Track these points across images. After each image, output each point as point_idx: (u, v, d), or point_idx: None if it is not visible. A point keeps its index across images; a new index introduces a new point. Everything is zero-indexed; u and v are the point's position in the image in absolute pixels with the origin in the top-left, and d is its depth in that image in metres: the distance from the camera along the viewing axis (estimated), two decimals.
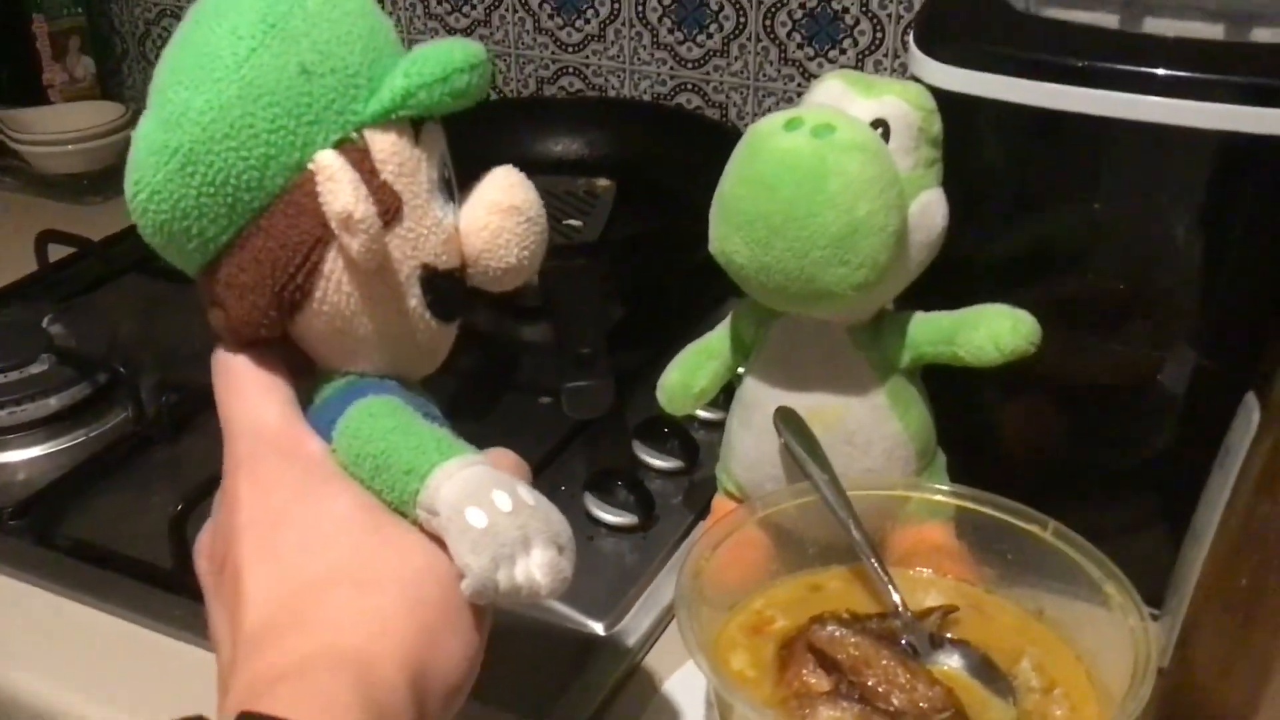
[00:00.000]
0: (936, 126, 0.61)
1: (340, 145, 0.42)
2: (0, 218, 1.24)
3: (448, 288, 0.45)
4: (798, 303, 0.60)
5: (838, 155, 0.56)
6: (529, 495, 0.43)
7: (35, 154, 1.25)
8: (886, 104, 0.60)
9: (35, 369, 0.88)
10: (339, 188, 0.41)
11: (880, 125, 0.59)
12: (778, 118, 0.58)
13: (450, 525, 0.41)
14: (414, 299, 0.44)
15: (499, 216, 0.46)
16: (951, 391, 0.67)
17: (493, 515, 0.41)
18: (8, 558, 0.75)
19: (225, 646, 0.42)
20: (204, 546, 0.46)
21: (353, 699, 0.37)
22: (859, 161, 0.56)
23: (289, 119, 0.42)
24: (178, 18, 1.36)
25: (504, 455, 0.48)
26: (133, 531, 0.75)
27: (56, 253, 1.06)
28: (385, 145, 0.43)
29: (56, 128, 1.26)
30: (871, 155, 0.56)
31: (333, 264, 0.43)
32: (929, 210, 0.60)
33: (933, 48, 0.63)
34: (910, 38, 0.65)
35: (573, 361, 0.70)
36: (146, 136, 0.43)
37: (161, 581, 0.71)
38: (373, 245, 0.42)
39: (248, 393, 0.45)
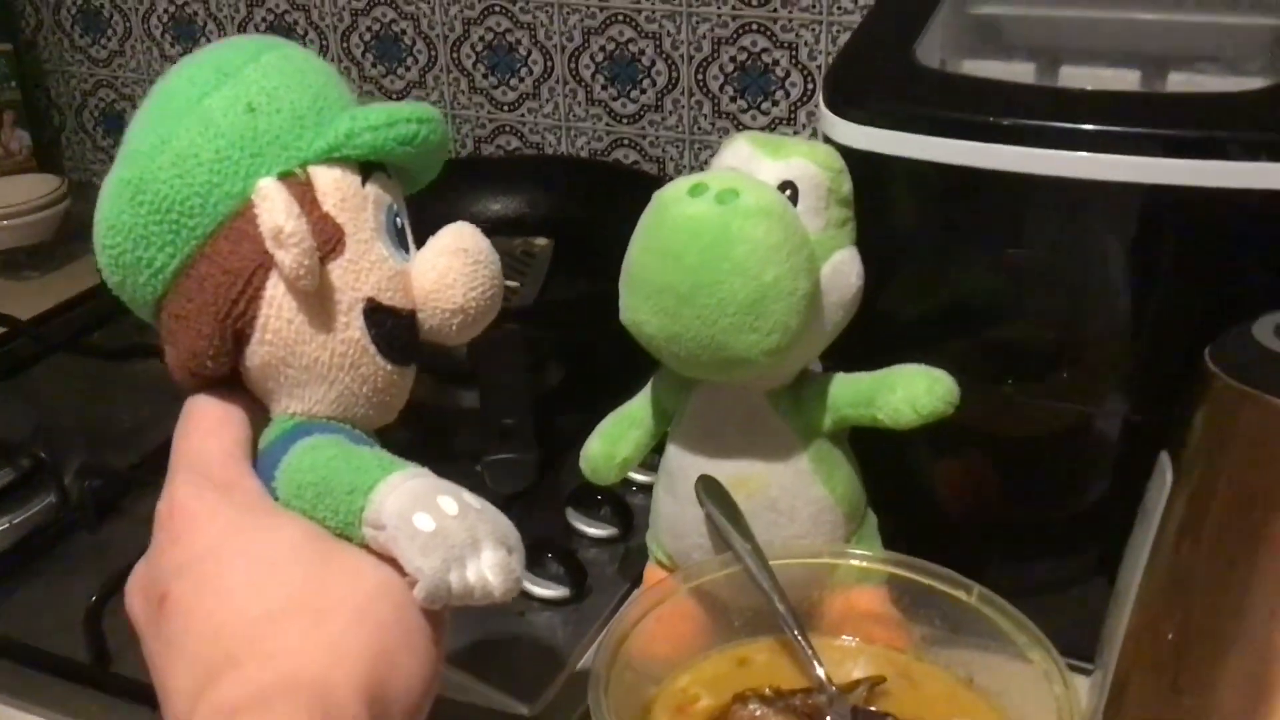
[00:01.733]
0: (846, 186, 0.60)
1: (284, 178, 0.44)
2: None
3: (394, 325, 0.46)
4: (711, 370, 0.59)
5: (742, 221, 0.55)
6: (474, 500, 0.43)
7: None
8: (794, 166, 0.59)
9: None
10: (272, 205, 0.43)
11: (788, 187, 0.58)
12: (682, 184, 0.57)
13: (398, 534, 0.41)
14: (357, 330, 0.45)
15: (447, 257, 0.47)
16: (881, 451, 0.66)
17: (440, 519, 0.41)
18: None
19: (170, 680, 0.41)
20: (138, 583, 0.45)
21: None
22: (764, 227, 0.55)
23: (233, 150, 0.43)
24: (115, 89, 1.35)
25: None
26: (52, 625, 0.73)
27: None
28: (328, 180, 0.45)
29: None
30: (777, 219, 0.55)
31: (274, 289, 0.44)
32: (842, 270, 0.60)
33: (841, 107, 0.62)
34: (819, 99, 0.65)
35: (496, 433, 0.69)
36: (109, 178, 0.45)
37: (80, 677, 0.69)
38: (305, 261, 0.43)
39: (196, 430, 0.46)
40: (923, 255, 0.66)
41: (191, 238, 0.44)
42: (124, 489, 0.84)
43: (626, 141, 1.13)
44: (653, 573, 0.69)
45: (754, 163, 0.60)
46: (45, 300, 1.12)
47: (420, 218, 1.14)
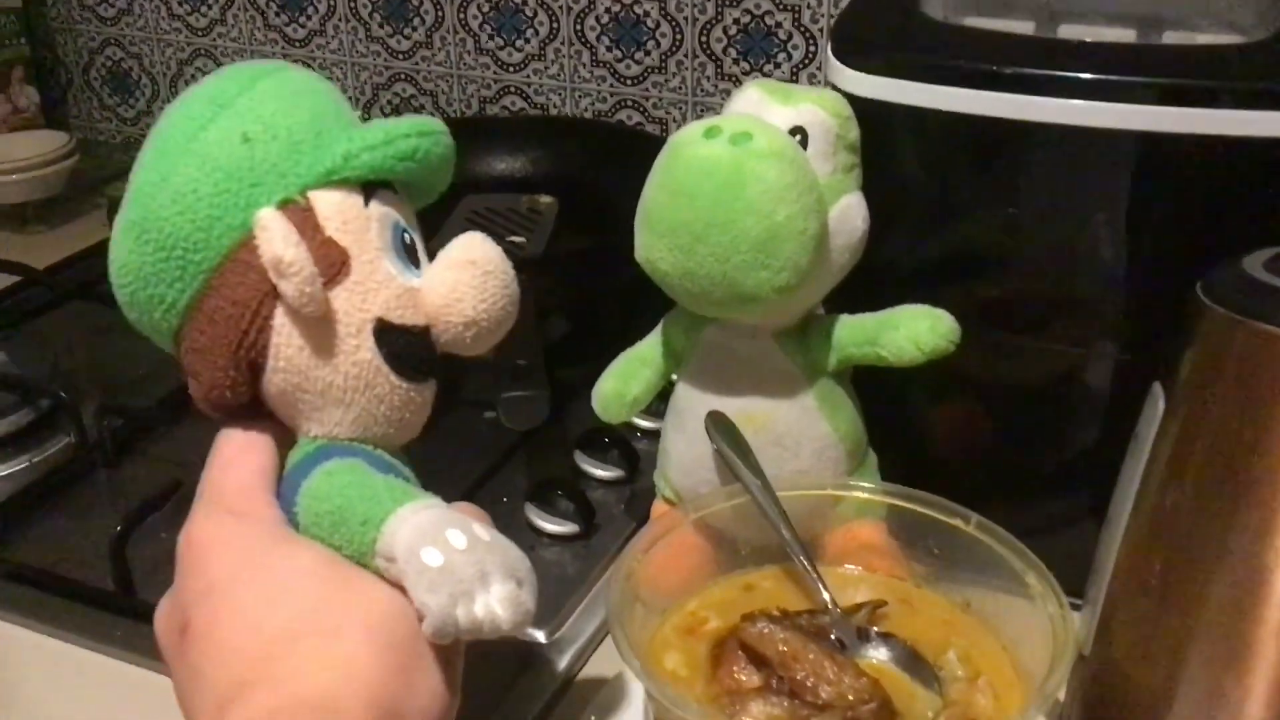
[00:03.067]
0: (854, 133, 0.62)
1: (284, 205, 0.44)
2: None
3: (405, 343, 0.46)
4: (722, 307, 0.61)
5: (755, 162, 0.57)
6: (485, 532, 0.43)
7: None
8: (804, 111, 0.61)
9: None
10: (271, 236, 0.43)
11: (798, 132, 0.61)
12: (696, 127, 0.59)
13: (407, 568, 0.41)
14: (368, 352, 0.45)
15: (456, 270, 0.47)
16: (882, 393, 0.69)
17: (448, 554, 0.41)
18: None
19: (192, 707, 0.42)
20: (163, 615, 0.46)
21: None
22: (776, 168, 0.57)
23: (232, 182, 0.44)
24: (122, 47, 1.37)
25: (464, 507, 0.48)
26: (75, 555, 0.75)
27: (1, 281, 1.06)
28: (329, 204, 0.45)
29: (0, 158, 1.26)
30: (789, 161, 0.58)
31: (282, 318, 0.44)
32: (848, 214, 0.62)
33: (849, 56, 0.65)
34: (828, 47, 0.67)
35: (509, 373, 0.71)
36: (117, 220, 0.46)
37: (103, 603, 0.71)
38: (306, 288, 0.43)
39: (218, 462, 0.46)
40: (923, 202, 0.68)
41: (199, 272, 0.44)
42: (142, 429, 0.86)
43: (630, 103, 1.15)
44: (660, 509, 0.71)
45: (765, 108, 0.62)
46: (56, 253, 1.13)
47: None
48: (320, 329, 0.44)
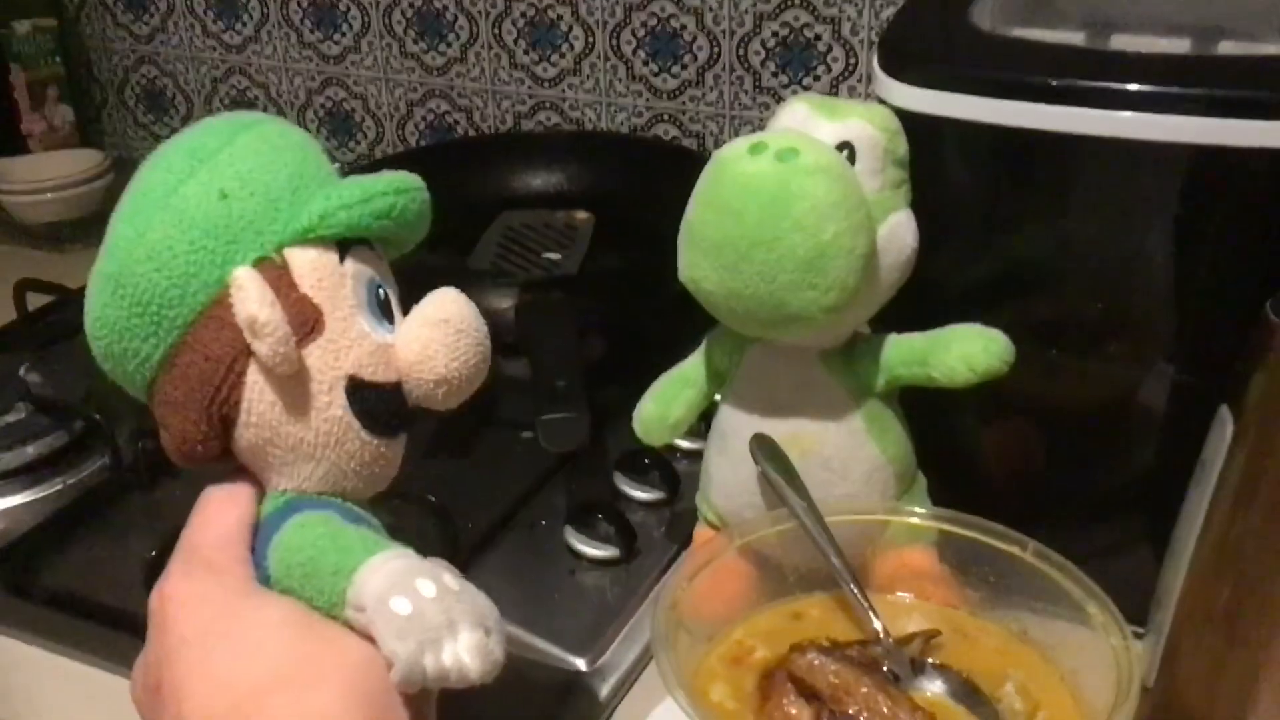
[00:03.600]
0: (902, 148, 0.61)
1: (260, 263, 0.44)
2: None
3: (377, 400, 0.46)
4: (768, 328, 0.59)
5: (802, 179, 0.55)
6: (454, 582, 0.43)
7: (14, 203, 1.25)
8: (851, 126, 0.59)
9: (11, 418, 0.87)
10: (246, 296, 0.43)
11: (845, 148, 0.59)
12: (742, 143, 0.57)
13: (376, 616, 0.41)
14: (339, 409, 0.45)
15: (429, 329, 0.47)
16: (931, 414, 0.67)
17: (417, 602, 0.41)
18: None
19: None
20: (138, 672, 0.46)
21: None
22: (824, 185, 0.55)
23: (208, 240, 0.44)
24: (156, 65, 1.37)
25: (436, 561, 0.47)
26: (110, 580, 0.74)
27: (35, 301, 1.06)
28: (304, 262, 0.45)
29: (35, 176, 1.26)
30: (836, 178, 0.56)
31: (255, 374, 0.44)
32: (898, 232, 0.60)
33: (897, 69, 0.63)
34: (874, 61, 0.65)
35: (547, 394, 0.70)
36: (94, 270, 0.46)
37: (138, 630, 0.69)
38: (280, 349, 0.43)
39: (196, 519, 0.47)
40: (972, 219, 0.66)
41: (173, 328, 0.44)
42: None
43: (666, 117, 1.14)
44: (703, 534, 0.70)
45: (811, 123, 0.60)
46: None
47: (459, 195, 1.15)
48: (293, 386, 0.44)
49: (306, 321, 0.44)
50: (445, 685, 0.42)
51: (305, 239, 0.45)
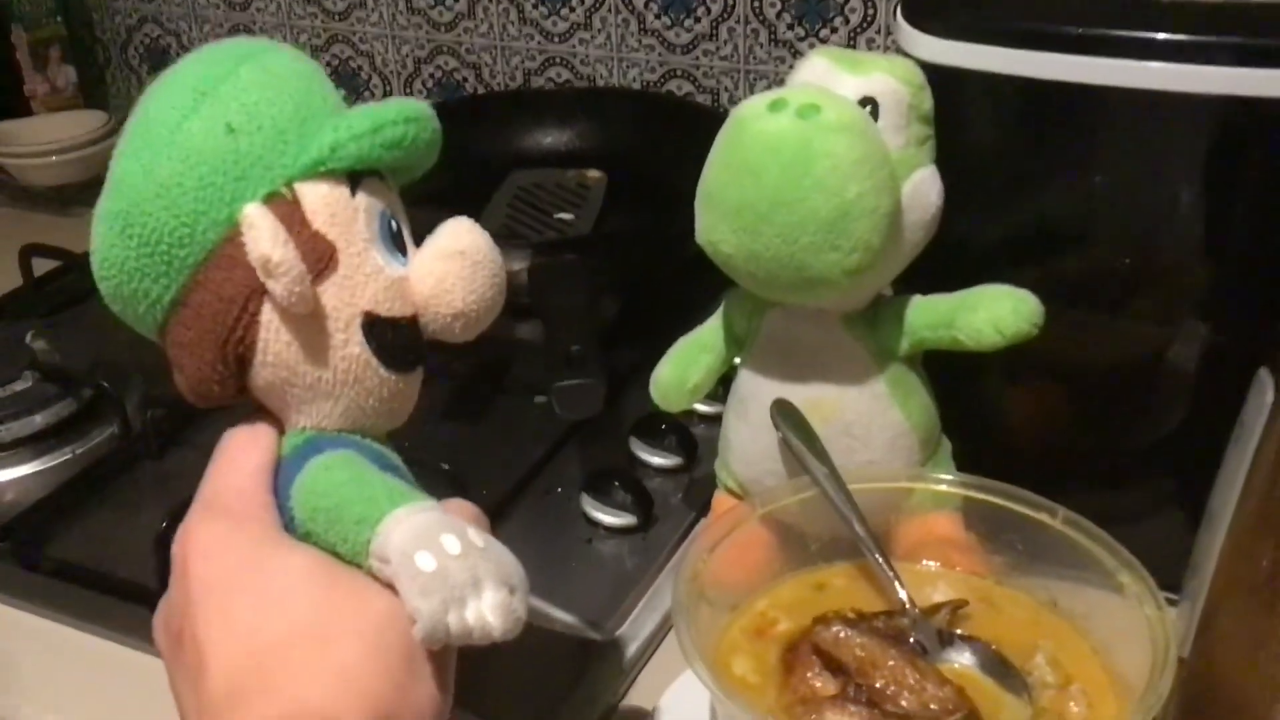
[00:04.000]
0: (927, 103, 0.59)
1: (270, 199, 0.43)
2: None
3: (394, 336, 0.45)
4: (789, 291, 0.58)
5: (824, 136, 0.53)
6: (479, 538, 0.42)
7: (18, 166, 1.24)
8: (874, 81, 0.57)
9: (19, 386, 0.86)
10: (259, 235, 0.42)
11: (868, 103, 0.57)
12: (761, 100, 0.55)
13: (400, 571, 0.41)
14: (357, 346, 0.44)
15: (444, 261, 0.46)
16: (954, 377, 0.65)
17: (441, 559, 0.41)
18: None
19: (186, 713, 0.42)
20: (160, 617, 0.45)
21: None
22: (847, 142, 0.54)
23: (216, 176, 0.43)
24: (160, 24, 1.34)
25: (462, 505, 0.47)
26: (119, 550, 0.73)
27: (41, 266, 1.05)
28: (315, 196, 0.44)
29: (39, 139, 1.24)
30: (859, 135, 0.54)
31: (270, 314, 0.43)
32: (922, 189, 0.58)
33: (921, 20, 0.61)
34: (897, 11, 0.63)
35: (563, 360, 0.68)
36: (98, 208, 0.45)
37: (148, 601, 0.68)
38: (295, 288, 0.42)
39: (217, 464, 0.46)
40: (997, 176, 0.65)
41: (184, 268, 0.43)
42: (186, 420, 0.84)
43: (680, 72, 1.11)
44: (722, 501, 0.68)
45: (833, 78, 0.58)
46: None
47: (468, 154, 1.13)
48: (309, 324, 0.44)
49: (321, 259, 0.43)
50: (468, 643, 0.41)
51: (315, 173, 0.44)
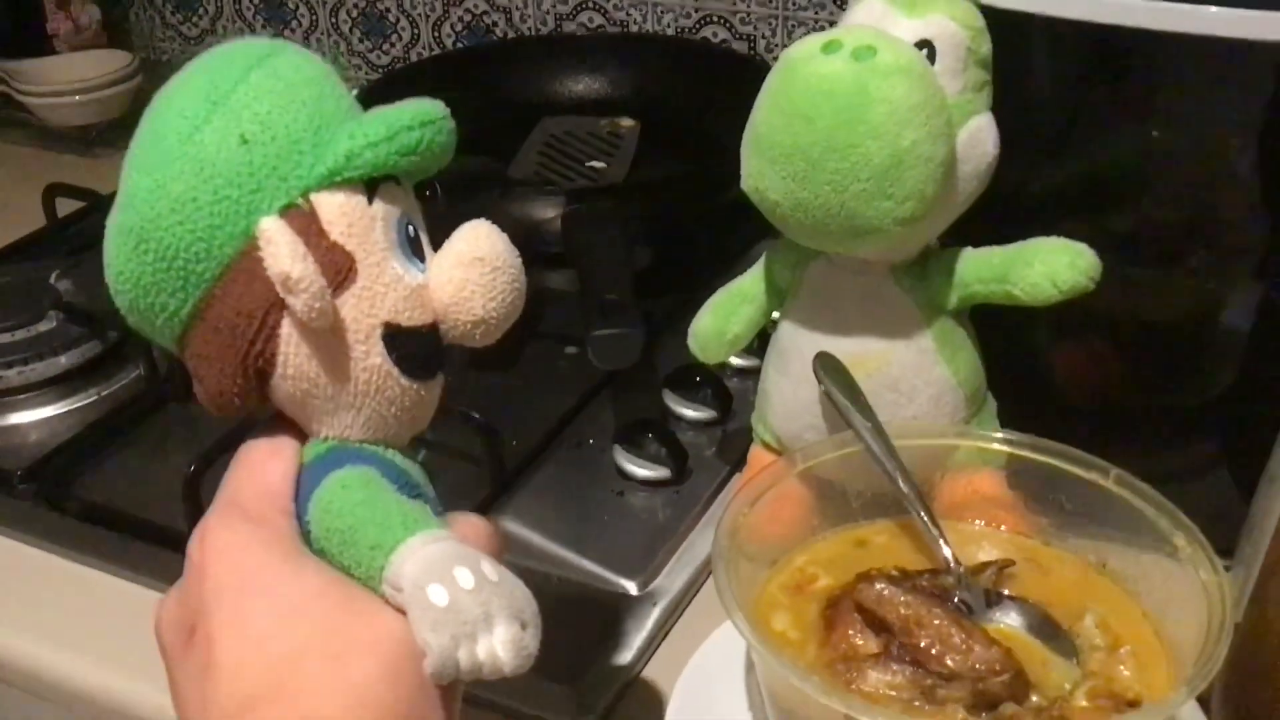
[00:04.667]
0: (986, 46, 0.57)
1: (286, 210, 0.42)
2: (7, 171, 1.22)
3: (414, 345, 0.45)
4: (837, 241, 0.56)
5: (880, 80, 0.52)
6: (493, 571, 0.41)
7: (41, 106, 1.22)
8: (932, 23, 0.56)
9: (43, 326, 0.86)
10: (277, 250, 0.41)
11: (925, 46, 0.55)
12: (814, 40, 0.54)
13: (412, 603, 0.40)
14: (378, 357, 0.44)
15: (463, 269, 0.45)
16: (1001, 333, 0.64)
17: (454, 593, 0.40)
18: (19, 522, 0.73)
19: (190, 715, 0.42)
20: (168, 613, 0.44)
21: None
22: (904, 86, 0.52)
23: (231, 189, 0.42)
24: None
25: (475, 526, 0.46)
26: (146, 493, 0.73)
27: (65, 207, 1.04)
28: (332, 207, 0.43)
29: (62, 78, 1.23)
30: (917, 79, 0.52)
31: (289, 327, 0.43)
32: (978, 138, 0.56)
33: None
34: None
35: (598, 309, 0.67)
36: (111, 220, 0.44)
37: (176, 544, 0.67)
38: (316, 303, 0.41)
39: (239, 467, 0.45)
40: (1053, 125, 0.63)
41: (200, 282, 0.42)
42: None
43: (716, 19, 1.09)
44: (759, 455, 0.67)
45: (888, 19, 0.56)
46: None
47: (498, 99, 1.11)
48: (329, 337, 0.43)
49: (340, 271, 0.42)
50: (476, 678, 0.41)
51: (331, 182, 0.43)
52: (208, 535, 0.43)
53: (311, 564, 0.43)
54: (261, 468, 0.45)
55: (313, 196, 0.43)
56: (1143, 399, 0.66)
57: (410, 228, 0.45)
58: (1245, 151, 0.60)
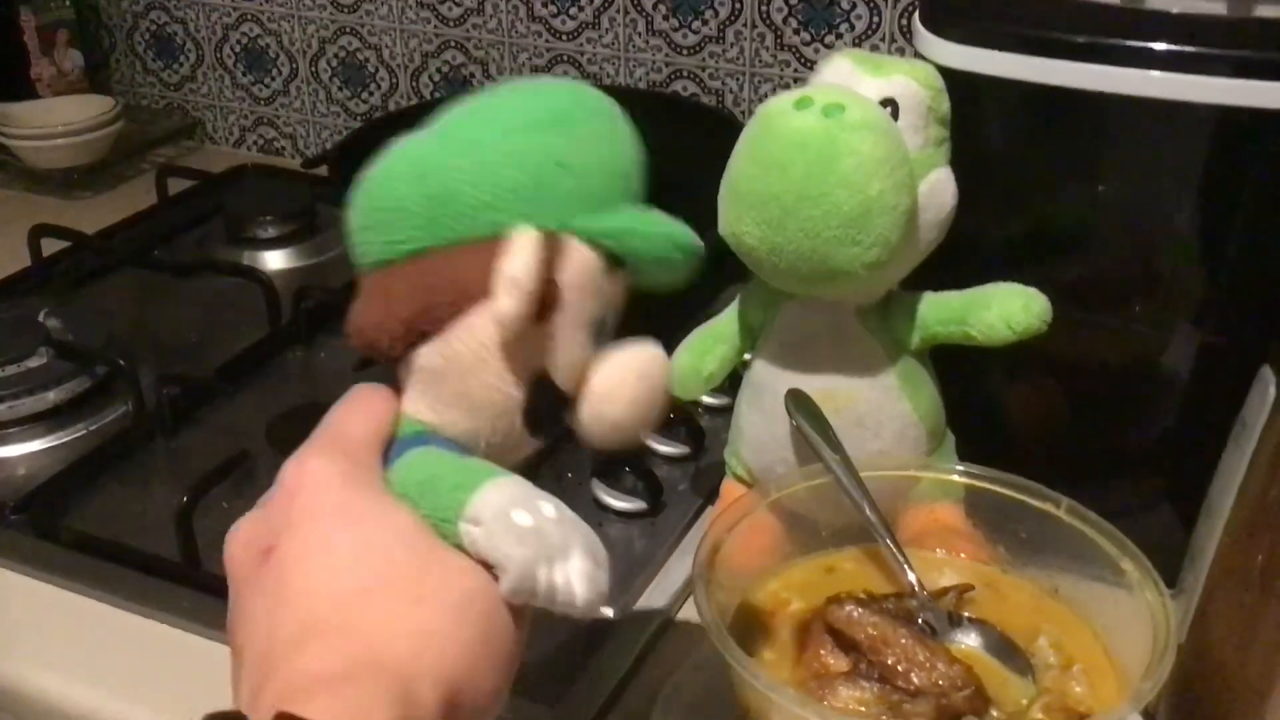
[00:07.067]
0: (945, 105, 0.61)
1: (545, 231, 0.45)
2: None
3: (547, 403, 0.47)
4: (809, 284, 0.60)
5: (849, 134, 0.55)
6: (570, 512, 0.44)
7: (25, 148, 1.24)
8: (895, 83, 0.60)
9: (33, 363, 0.87)
10: (521, 260, 0.43)
11: (889, 104, 0.59)
12: (787, 97, 0.57)
13: (495, 526, 0.42)
14: (516, 390, 0.46)
15: (630, 375, 0.47)
16: (959, 374, 0.67)
17: (538, 518, 0.42)
18: (10, 552, 0.74)
19: (252, 633, 0.42)
20: (244, 533, 0.45)
21: (387, 716, 0.38)
22: (871, 141, 0.56)
23: (525, 190, 0.45)
24: (166, 11, 1.35)
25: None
26: (136, 524, 0.75)
27: (50, 247, 1.06)
28: (580, 258, 0.45)
29: (45, 122, 1.25)
30: (882, 134, 0.56)
31: (476, 316, 0.44)
32: (938, 189, 0.60)
33: (939, 25, 0.63)
34: (914, 17, 0.65)
35: None
36: (410, 136, 0.46)
37: (169, 573, 0.70)
38: (517, 315, 0.43)
39: (347, 408, 0.47)
40: (1005, 178, 0.67)
41: (442, 236, 0.45)
42: (200, 398, 0.85)
43: (686, 73, 1.13)
44: (731, 488, 0.70)
45: (855, 79, 0.60)
46: (103, 218, 1.13)
47: None
48: (495, 348, 0.45)
49: (546, 306, 0.45)
50: (550, 605, 0.42)
51: (595, 239, 0.46)
52: (305, 462, 0.45)
53: (398, 509, 0.44)
54: (365, 413, 0.46)
55: (569, 237, 0.45)
56: (1091, 436, 0.69)
57: (610, 317, 0.48)
58: (1186, 205, 0.64)
